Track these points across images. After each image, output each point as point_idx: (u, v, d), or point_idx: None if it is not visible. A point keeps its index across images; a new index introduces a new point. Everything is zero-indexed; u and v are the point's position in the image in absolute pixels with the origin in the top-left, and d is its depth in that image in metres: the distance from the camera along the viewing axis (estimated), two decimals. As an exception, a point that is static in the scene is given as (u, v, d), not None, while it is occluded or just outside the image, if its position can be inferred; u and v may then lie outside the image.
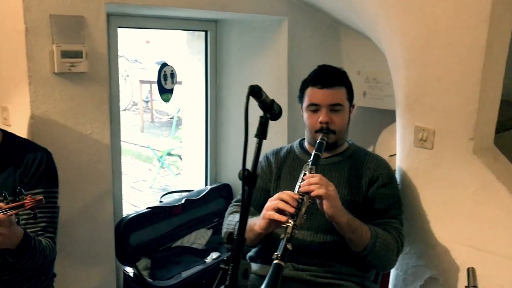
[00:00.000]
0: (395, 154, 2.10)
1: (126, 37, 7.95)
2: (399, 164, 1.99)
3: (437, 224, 1.86)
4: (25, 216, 1.56)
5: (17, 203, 1.37)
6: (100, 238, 2.18)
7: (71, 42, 1.95)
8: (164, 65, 2.89)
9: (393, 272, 2.07)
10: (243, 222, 1.15)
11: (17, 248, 1.41)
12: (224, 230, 1.82)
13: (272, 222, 1.55)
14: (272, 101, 1.27)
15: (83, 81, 2.02)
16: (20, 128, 1.94)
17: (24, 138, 1.75)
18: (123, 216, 2.54)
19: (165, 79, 2.90)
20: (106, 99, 2.11)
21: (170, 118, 8.35)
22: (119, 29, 2.48)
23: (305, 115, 1.81)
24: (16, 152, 1.63)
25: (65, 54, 1.93)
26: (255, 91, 1.20)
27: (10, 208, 1.36)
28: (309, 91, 1.78)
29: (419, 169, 1.88)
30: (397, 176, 1.95)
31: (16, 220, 1.51)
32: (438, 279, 1.87)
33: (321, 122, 1.74)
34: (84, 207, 2.09)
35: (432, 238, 1.87)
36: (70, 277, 2.09)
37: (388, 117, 2.70)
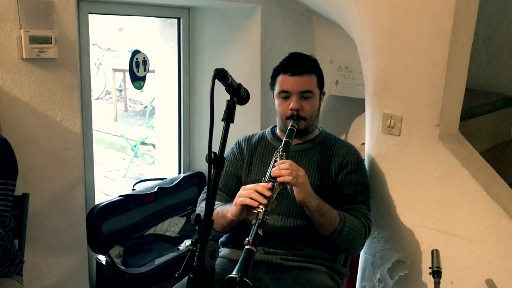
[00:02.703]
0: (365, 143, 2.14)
1: (99, 25, 7.81)
2: (367, 150, 2.04)
3: (404, 209, 1.91)
4: None
5: None
6: (71, 226, 2.17)
7: (39, 27, 1.92)
8: (136, 52, 2.86)
9: (362, 256, 2.12)
10: (210, 203, 1.16)
11: None
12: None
13: (244, 209, 1.57)
14: (239, 85, 1.28)
15: (53, 67, 1.99)
16: (-13, 114, 1.91)
17: None
18: (95, 204, 2.53)
19: (137, 67, 2.88)
20: (76, 85, 2.09)
21: (144, 107, 8.27)
22: (90, 16, 2.44)
23: (276, 102, 1.83)
24: None
25: (33, 40, 1.90)
26: (220, 74, 1.21)
27: None
28: (280, 78, 1.80)
29: (387, 155, 1.93)
30: (366, 162, 1.99)
31: None
32: (405, 262, 1.93)
33: (291, 109, 1.76)
34: (54, 195, 2.07)
35: (399, 222, 1.92)
36: (41, 265, 2.08)
37: (360, 106, 2.73)
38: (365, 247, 2.00)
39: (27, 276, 1.82)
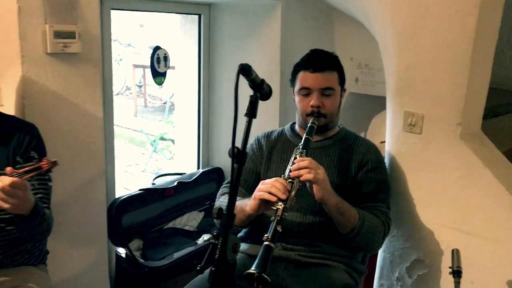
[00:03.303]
0: (385, 141, 2.13)
1: (120, 21, 7.88)
2: (388, 148, 2.02)
3: (424, 208, 1.90)
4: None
5: (33, 166, 1.37)
6: (92, 219, 2.21)
7: (64, 23, 1.95)
8: (157, 48, 2.89)
9: (380, 254, 2.11)
10: (232, 197, 1.17)
11: (30, 214, 1.43)
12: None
13: (263, 203, 1.58)
14: (262, 80, 1.29)
15: (76, 62, 2.02)
16: (12, 107, 1.95)
17: (11, 115, 1.75)
18: (116, 197, 2.56)
19: (158, 62, 2.91)
20: (99, 80, 2.12)
21: (163, 103, 8.33)
22: (112, 11, 2.47)
23: (297, 98, 1.83)
24: (6, 129, 1.64)
25: (57, 35, 1.93)
26: (245, 70, 1.21)
27: (26, 172, 1.36)
28: (301, 75, 1.80)
29: (407, 154, 1.92)
30: (386, 160, 1.98)
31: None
32: (424, 261, 1.92)
33: (312, 106, 1.76)
34: (77, 188, 2.11)
35: (418, 221, 1.90)
36: (63, 256, 2.12)
37: (379, 103, 2.72)
38: (383, 245, 1.99)
39: (50, 266, 1.85)
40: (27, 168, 1.38)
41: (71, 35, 1.97)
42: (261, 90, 1.27)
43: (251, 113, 1.22)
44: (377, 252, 2.08)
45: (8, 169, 1.36)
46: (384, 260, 2.08)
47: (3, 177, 1.34)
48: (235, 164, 1.14)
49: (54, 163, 1.41)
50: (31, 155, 1.46)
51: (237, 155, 1.14)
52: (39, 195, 1.62)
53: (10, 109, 1.94)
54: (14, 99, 1.94)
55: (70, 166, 2.07)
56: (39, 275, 1.72)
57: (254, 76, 1.25)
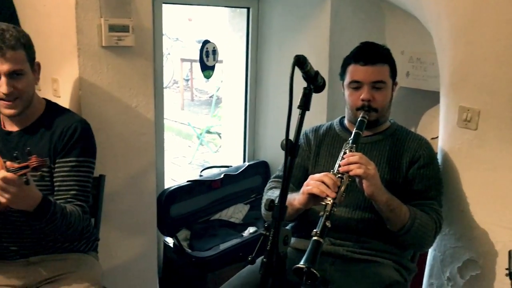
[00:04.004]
0: (437, 137, 2.07)
1: (169, 15, 8.01)
2: (441, 144, 1.96)
3: (478, 206, 1.83)
4: (58, 181, 1.62)
5: (22, 164, 1.38)
6: (143, 208, 2.26)
7: (118, 16, 2.00)
8: (206, 42, 2.92)
9: (430, 253, 2.05)
10: (284, 189, 1.17)
11: (35, 210, 1.43)
12: (263, 204, 1.85)
13: (311, 198, 1.57)
14: (317, 72, 1.27)
15: (129, 55, 2.07)
16: (69, 99, 2.02)
17: (65, 108, 1.79)
18: (165, 188, 2.62)
19: (207, 56, 2.94)
20: (150, 73, 2.16)
21: (210, 97, 8.43)
22: (163, 5, 2.52)
23: (346, 92, 1.80)
24: (55, 121, 1.67)
25: (112, 28, 1.98)
26: (300, 61, 1.20)
27: (18, 168, 1.37)
28: (351, 68, 1.76)
29: (461, 150, 1.85)
30: (439, 156, 1.92)
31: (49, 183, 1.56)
32: (477, 261, 1.85)
33: (362, 100, 1.72)
34: (128, 178, 2.17)
35: (472, 220, 1.84)
36: (114, 243, 2.19)
37: (431, 98, 2.65)
38: (434, 244, 1.94)
39: (101, 253, 1.92)
40: (20, 165, 1.38)
41: (125, 28, 2.02)
42: (315, 82, 1.26)
43: (305, 105, 1.22)
44: (427, 251, 2.03)
45: (8, 163, 1.39)
46: (435, 259, 2.02)
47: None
48: (288, 157, 1.14)
49: (43, 162, 1.39)
50: (26, 151, 1.41)
51: (290, 147, 1.14)
52: (73, 192, 1.62)
53: (66, 101, 2.02)
54: (70, 91, 2.01)
55: (122, 157, 2.13)
56: (90, 262, 1.77)
57: (309, 68, 1.24)
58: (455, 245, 1.92)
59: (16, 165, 1.38)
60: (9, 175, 1.35)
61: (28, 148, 1.42)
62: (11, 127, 1.66)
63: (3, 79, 1.51)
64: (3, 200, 1.37)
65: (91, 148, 1.72)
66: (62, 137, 1.64)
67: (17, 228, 1.63)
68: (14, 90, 1.53)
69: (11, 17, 2.11)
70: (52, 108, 1.72)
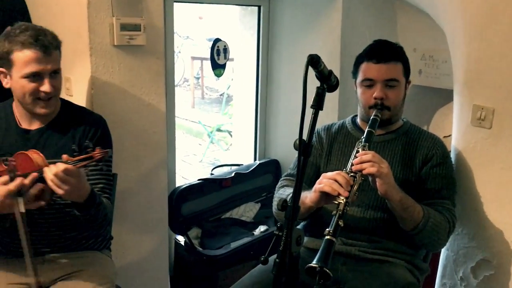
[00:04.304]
0: (450, 135, 2.05)
1: (179, 13, 8.02)
2: (454, 143, 1.94)
3: (492, 206, 1.81)
4: (88, 174, 1.64)
5: (86, 155, 1.44)
6: (154, 206, 2.27)
7: (129, 15, 2.01)
8: (217, 40, 2.92)
9: (443, 252, 2.04)
10: (297, 190, 1.17)
11: (85, 202, 1.49)
12: (274, 203, 1.85)
13: (324, 196, 1.56)
14: (330, 71, 1.27)
15: (141, 53, 2.08)
16: (81, 98, 2.03)
17: (81, 106, 1.83)
18: (176, 186, 2.63)
19: (218, 54, 2.94)
20: (162, 72, 2.17)
21: (220, 95, 8.44)
22: (174, 4, 2.52)
23: (359, 90, 1.79)
24: (75, 118, 1.71)
25: (124, 27, 1.99)
26: (314, 60, 1.20)
27: (79, 160, 1.42)
28: (364, 66, 1.75)
29: (475, 149, 1.83)
30: (452, 155, 1.90)
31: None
32: (491, 261, 1.83)
33: (375, 98, 1.71)
34: (140, 176, 2.18)
35: (485, 219, 1.82)
36: (126, 241, 2.20)
37: (443, 96, 2.62)
38: (447, 244, 1.92)
39: (113, 251, 1.93)
40: (81, 157, 1.44)
41: (136, 27, 2.02)
42: (328, 82, 1.25)
43: (318, 105, 1.21)
44: (440, 250, 2.01)
45: (64, 156, 1.43)
46: (447, 259, 2.00)
47: (58, 163, 1.40)
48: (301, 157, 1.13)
49: (106, 153, 1.45)
50: (85, 144, 1.50)
51: (303, 147, 1.13)
52: (101, 185, 1.68)
53: (79, 100, 2.03)
54: (83, 90, 2.02)
55: (134, 155, 2.14)
56: (104, 260, 1.79)
57: (323, 67, 1.23)
58: (469, 244, 1.90)
59: (75, 158, 1.42)
60: (70, 167, 1.40)
61: (88, 141, 1.50)
62: (29, 126, 1.67)
63: (47, 78, 1.55)
64: (60, 191, 1.40)
65: (111, 143, 1.77)
66: (86, 133, 1.69)
67: (36, 226, 1.64)
68: (53, 90, 1.57)
69: (24, 16, 2.12)
70: (68, 106, 1.75)
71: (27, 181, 1.40)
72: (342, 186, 1.50)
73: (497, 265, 1.81)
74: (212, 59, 2.93)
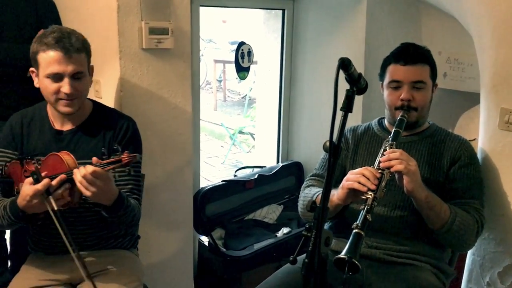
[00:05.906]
0: (475, 139, 2.03)
1: (203, 17, 8.10)
2: (481, 146, 1.93)
3: (520, 210, 1.79)
4: (117, 176, 1.68)
5: (114, 158, 1.47)
6: (179, 206, 2.31)
7: (158, 19, 2.05)
8: (241, 43, 2.95)
9: (469, 257, 2.02)
10: (326, 191, 1.18)
11: (112, 204, 1.52)
12: (300, 202, 1.86)
13: (351, 193, 1.57)
14: (360, 74, 1.28)
15: (168, 57, 2.12)
16: (110, 100, 2.08)
17: (111, 108, 1.87)
18: (200, 187, 2.66)
19: (242, 58, 2.97)
20: (188, 75, 2.20)
21: (242, 98, 8.48)
22: (200, 8, 2.56)
23: (386, 92, 1.79)
24: (105, 120, 1.75)
25: (152, 31, 2.03)
26: (345, 64, 1.21)
27: (108, 163, 1.46)
28: (391, 67, 1.76)
29: (503, 153, 1.81)
30: (479, 159, 1.89)
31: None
32: (518, 267, 1.81)
33: (402, 99, 1.71)
34: (166, 176, 2.21)
35: (513, 224, 1.80)
36: (152, 240, 2.23)
37: (469, 100, 2.60)
38: (473, 248, 1.90)
39: (140, 250, 1.96)
40: (109, 160, 1.47)
41: (164, 31, 2.06)
42: (357, 85, 1.27)
43: (348, 107, 1.23)
44: (465, 254, 2.00)
45: (94, 159, 1.47)
46: (474, 263, 1.99)
47: (87, 166, 1.44)
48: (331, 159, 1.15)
49: (134, 157, 1.47)
50: (114, 148, 1.53)
51: (333, 149, 1.15)
52: (130, 186, 1.71)
53: (108, 102, 2.07)
54: (112, 92, 2.07)
55: (160, 156, 2.18)
56: (132, 259, 1.82)
57: (353, 70, 1.25)
58: (495, 249, 1.88)
59: (104, 161, 1.46)
60: (98, 169, 1.43)
61: (116, 145, 1.53)
62: (62, 127, 1.72)
63: (66, 79, 1.58)
64: (87, 193, 1.44)
65: (140, 145, 1.80)
66: (116, 135, 1.72)
67: (68, 224, 1.68)
68: (74, 91, 1.60)
69: (56, 21, 2.18)
70: (99, 108, 1.79)
71: (54, 182, 1.44)
72: (369, 180, 1.51)
73: (525, 271, 1.79)
74: (237, 62, 2.96)
